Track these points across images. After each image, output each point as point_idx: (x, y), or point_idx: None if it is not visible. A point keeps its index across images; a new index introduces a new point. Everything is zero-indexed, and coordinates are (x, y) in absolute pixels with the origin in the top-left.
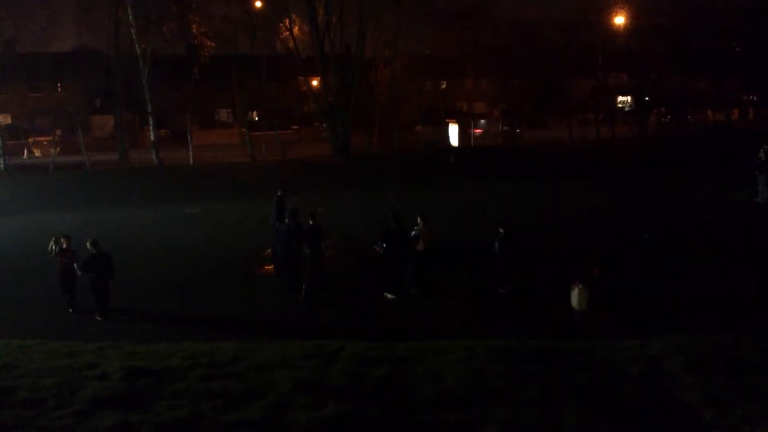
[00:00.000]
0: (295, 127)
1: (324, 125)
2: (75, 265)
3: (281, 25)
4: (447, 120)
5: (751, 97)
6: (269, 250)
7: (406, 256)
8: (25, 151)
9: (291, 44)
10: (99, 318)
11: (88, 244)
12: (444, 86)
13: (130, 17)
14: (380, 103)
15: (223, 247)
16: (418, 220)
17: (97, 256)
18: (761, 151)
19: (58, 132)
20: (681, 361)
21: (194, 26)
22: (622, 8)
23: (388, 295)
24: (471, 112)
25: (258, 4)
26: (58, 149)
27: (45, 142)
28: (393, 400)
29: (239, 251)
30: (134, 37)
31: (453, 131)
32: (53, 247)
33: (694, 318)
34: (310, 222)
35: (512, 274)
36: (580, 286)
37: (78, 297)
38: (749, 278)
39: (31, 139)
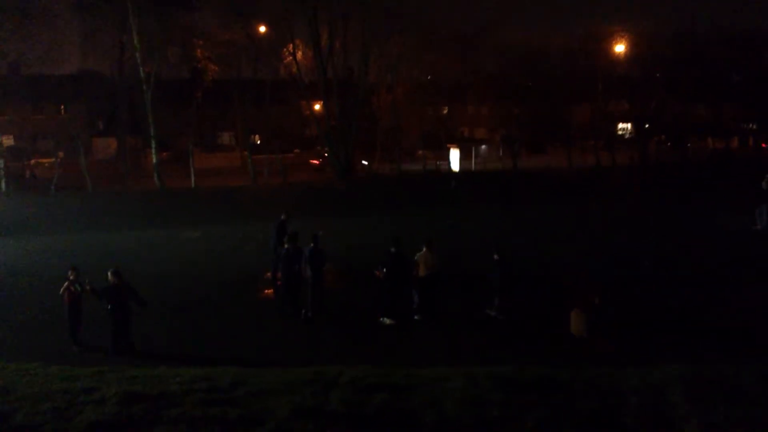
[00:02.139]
0: (297, 150)
1: (326, 149)
2: (91, 292)
3: (284, 50)
4: (448, 145)
5: (750, 125)
6: (269, 273)
7: (407, 281)
8: (27, 173)
9: (294, 69)
10: (112, 355)
11: (108, 274)
12: (445, 111)
13: (135, 41)
14: (382, 127)
15: (222, 270)
16: (424, 246)
17: (115, 287)
18: (764, 180)
19: (61, 154)
20: (682, 390)
21: (198, 50)
22: (622, 36)
23: (386, 320)
24: (472, 138)
25: (262, 29)
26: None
27: (47, 164)
28: (392, 427)
29: (239, 275)
30: (138, 61)
31: (454, 156)
32: (77, 287)
33: (695, 345)
34: (311, 245)
35: (506, 299)
36: (580, 312)
37: (84, 332)
38: (749, 306)
39: (33, 161)
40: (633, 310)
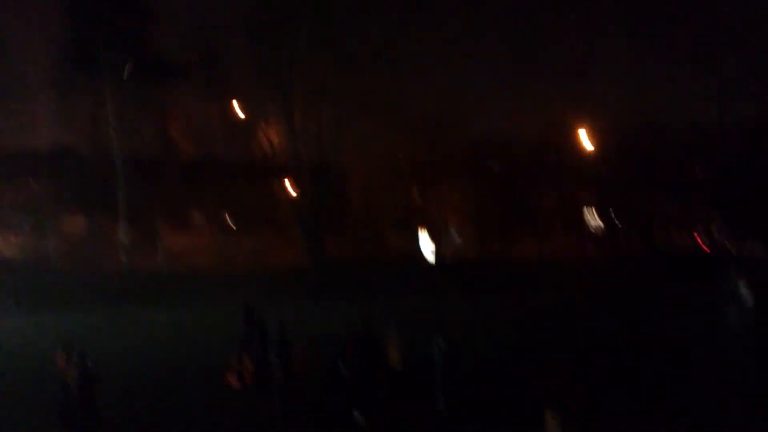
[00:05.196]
0: (269, 231)
1: (298, 231)
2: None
3: (258, 129)
4: (419, 228)
5: (714, 216)
6: (236, 360)
7: (380, 369)
8: None
9: (267, 149)
10: None
11: (73, 356)
12: (417, 195)
13: (110, 117)
14: (356, 209)
15: (189, 354)
16: (390, 336)
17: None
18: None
19: (27, 230)
20: None
21: (173, 127)
22: (589, 128)
23: (359, 414)
24: (444, 222)
25: (236, 107)
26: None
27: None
28: None
29: (206, 359)
30: (112, 136)
31: (425, 240)
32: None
33: None
34: (278, 331)
35: (448, 390)
36: (553, 409)
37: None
38: (721, 401)
39: None
40: (608, 406)
